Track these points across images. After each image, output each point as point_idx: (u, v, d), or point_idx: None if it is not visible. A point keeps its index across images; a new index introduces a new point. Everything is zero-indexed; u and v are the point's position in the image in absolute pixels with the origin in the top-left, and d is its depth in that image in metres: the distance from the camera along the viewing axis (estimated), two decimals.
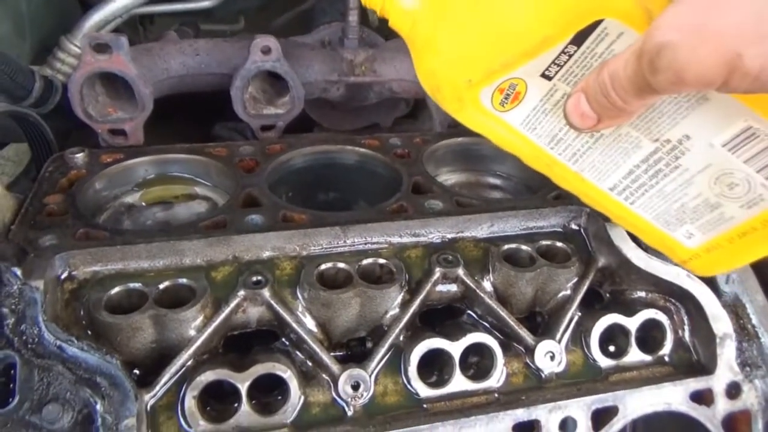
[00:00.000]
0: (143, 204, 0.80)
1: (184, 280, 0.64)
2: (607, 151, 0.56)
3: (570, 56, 0.50)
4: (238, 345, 0.67)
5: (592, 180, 0.59)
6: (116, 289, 0.63)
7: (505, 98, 0.56)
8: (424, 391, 0.64)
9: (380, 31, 1.25)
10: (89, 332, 0.60)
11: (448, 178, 0.96)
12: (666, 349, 0.72)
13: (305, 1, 1.59)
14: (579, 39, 0.49)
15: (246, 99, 0.94)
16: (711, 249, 0.59)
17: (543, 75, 0.52)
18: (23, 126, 0.86)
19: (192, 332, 0.62)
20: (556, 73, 0.52)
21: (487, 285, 0.72)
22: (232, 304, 0.63)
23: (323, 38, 1.17)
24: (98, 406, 0.52)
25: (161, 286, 0.64)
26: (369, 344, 0.69)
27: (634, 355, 0.71)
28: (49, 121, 0.97)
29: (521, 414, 0.63)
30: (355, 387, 0.62)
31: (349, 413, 0.62)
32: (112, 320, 0.59)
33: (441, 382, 0.65)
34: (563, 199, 0.81)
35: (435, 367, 0.68)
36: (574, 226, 0.78)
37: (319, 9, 1.48)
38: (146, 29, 1.63)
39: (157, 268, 0.65)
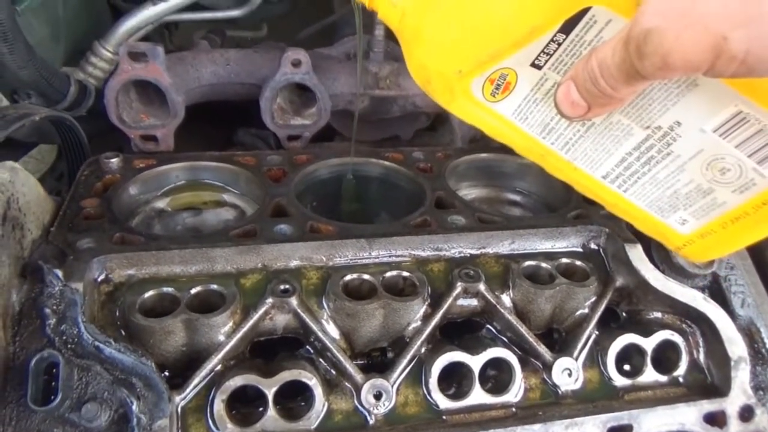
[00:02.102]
0: (172, 209, 0.82)
1: (214, 286, 0.67)
2: (599, 140, 0.56)
3: (559, 45, 0.50)
4: (263, 351, 0.69)
5: (585, 168, 0.59)
6: (150, 293, 0.65)
7: (496, 88, 0.55)
8: (443, 402, 0.66)
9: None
10: (123, 334, 0.62)
11: (469, 192, 0.98)
12: (681, 370, 0.73)
13: (327, 10, 1.62)
14: (567, 27, 0.49)
15: (274, 109, 0.96)
16: (705, 234, 0.59)
17: (533, 64, 0.52)
18: (59, 129, 0.89)
19: (221, 337, 0.64)
20: (546, 62, 0.52)
21: (506, 301, 0.74)
22: (261, 311, 0.65)
23: (348, 51, 1.20)
24: (134, 407, 0.54)
25: (193, 291, 0.66)
26: (390, 354, 0.71)
27: (650, 375, 0.72)
28: (81, 124, 1.01)
29: (538, 429, 0.65)
30: (378, 396, 0.64)
31: (371, 422, 0.64)
32: (146, 323, 0.61)
33: (460, 395, 0.67)
34: (583, 218, 0.82)
35: (454, 379, 0.70)
36: (593, 246, 0.80)
37: (343, 20, 1.51)
38: (171, 34, 1.66)
39: (189, 274, 0.68)
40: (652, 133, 0.53)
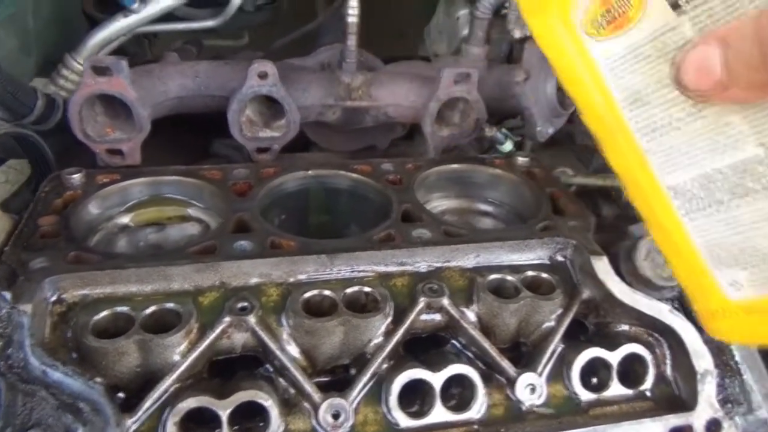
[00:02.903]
0: (135, 225, 0.81)
1: (170, 305, 0.66)
2: (694, 139, 0.42)
3: None
4: (223, 369, 0.68)
5: (655, 169, 0.46)
6: (103, 313, 0.64)
7: (607, 18, 0.42)
8: (404, 421, 0.65)
9: (379, 54, 1.27)
10: (75, 356, 0.61)
11: (440, 204, 0.97)
12: (647, 384, 0.72)
13: (310, 17, 1.62)
14: None
15: (242, 122, 0.95)
16: (752, 311, 0.45)
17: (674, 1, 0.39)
18: (23, 145, 0.88)
19: (176, 357, 0.63)
20: (692, 4, 0.38)
21: (471, 315, 0.73)
22: (218, 330, 0.64)
23: (323, 60, 1.19)
24: None
25: (148, 311, 0.65)
26: (353, 371, 0.70)
27: (616, 389, 0.71)
28: (51, 138, 1.00)
29: None
30: (336, 416, 0.63)
31: None
32: (97, 344, 0.60)
33: (421, 413, 0.66)
34: (551, 230, 0.82)
35: (417, 396, 0.69)
36: (560, 258, 0.79)
37: (323, 28, 1.51)
38: (152, 43, 1.65)
39: (145, 293, 0.67)
40: (766, 156, 0.40)
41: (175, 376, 0.61)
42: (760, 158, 0.40)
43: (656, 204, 0.47)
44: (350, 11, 1.06)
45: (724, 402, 0.72)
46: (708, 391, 0.71)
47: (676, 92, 0.41)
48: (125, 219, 0.82)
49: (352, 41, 1.09)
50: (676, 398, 0.73)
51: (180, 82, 0.96)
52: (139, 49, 1.54)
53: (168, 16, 1.21)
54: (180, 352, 0.63)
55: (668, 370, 0.74)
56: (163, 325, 0.64)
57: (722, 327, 0.48)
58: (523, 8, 0.47)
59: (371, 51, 1.28)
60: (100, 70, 0.85)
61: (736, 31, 0.35)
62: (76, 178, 0.81)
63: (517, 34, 1.06)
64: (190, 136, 1.25)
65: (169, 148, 1.26)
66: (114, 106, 0.93)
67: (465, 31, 1.22)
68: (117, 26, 1.14)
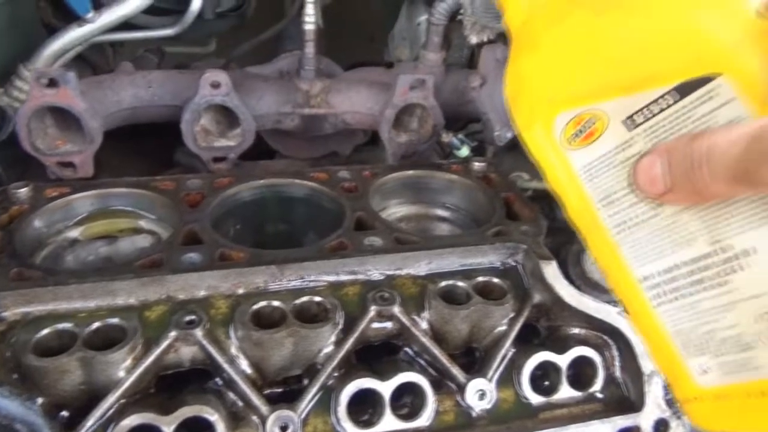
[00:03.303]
0: (85, 239, 0.80)
1: (115, 321, 0.65)
2: (656, 234, 0.48)
3: (665, 108, 0.44)
4: (173, 384, 0.67)
5: (628, 260, 0.51)
6: (45, 331, 0.63)
7: (579, 132, 0.49)
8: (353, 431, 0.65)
9: (350, 59, 1.27)
10: (16, 376, 0.60)
11: (397, 210, 0.98)
12: (597, 386, 0.74)
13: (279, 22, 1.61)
14: (684, 90, 0.42)
15: (197, 131, 0.95)
16: (721, 397, 0.48)
17: (628, 120, 0.46)
18: None
19: (121, 374, 0.62)
20: (643, 122, 0.45)
21: (422, 323, 0.73)
22: (163, 345, 0.64)
23: (282, 68, 1.19)
24: None
25: (92, 327, 0.64)
26: (305, 381, 0.70)
27: (565, 392, 0.72)
28: (5, 151, 0.98)
29: None
30: (284, 428, 0.63)
31: None
32: (38, 363, 0.59)
33: (371, 423, 0.66)
34: (503, 235, 0.82)
35: (369, 405, 0.69)
36: (511, 263, 0.80)
37: (287, 35, 1.51)
38: (116, 52, 1.64)
39: (89, 309, 0.66)
40: (716, 252, 0.44)
41: (119, 393, 0.61)
42: (709, 254, 0.45)
43: (631, 294, 0.52)
44: (307, 18, 1.06)
45: (671, 402, 0.73)
46: (655, 391, 0.72)
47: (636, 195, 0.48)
48: (75, 233, 0.81)
49: (310, 49, 1.09)
50: (625, 399, 0.74)
51: (133, 93, 0.95)
52: (101, 59, 1.53)
53: (127, 25, 1.20)
54: (125, 368, 0.62)
55: (617, 372, 0.75)
56: (109, 341, 0.63)
57: (697, 413, 0.51)
58: (518, 124, 0.54)
59: (342, 56, 1.29)
60: (47, 82, 0.84)
61: (674, 147, 0.42)
62: (23, 192, 0.80)
63: (474, 39, 1.07)
64: (153, 145, 1.24)
65: (132, 157, 1.26)
66: (65, 117, 0.92)
67: (425, 38, 1.22)
68: (72, 36, 1.12)
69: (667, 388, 0.73)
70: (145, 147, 1.24)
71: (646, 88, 0.44)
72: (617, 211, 0.50)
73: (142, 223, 0.84)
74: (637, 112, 0.46)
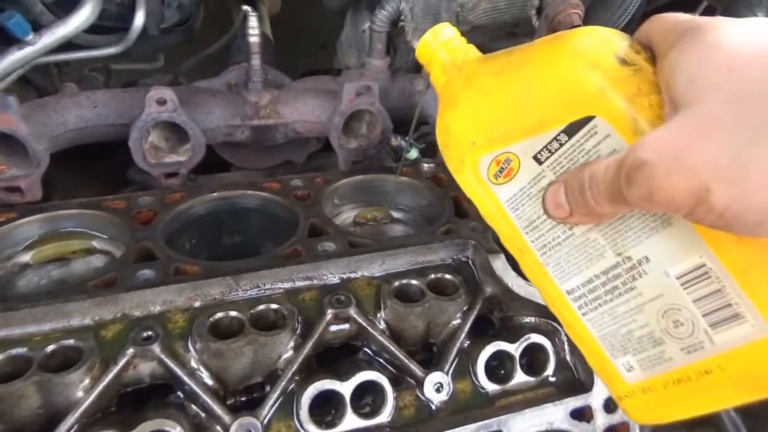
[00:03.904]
0: (37, 263, 0.80)
1: (70, 342, 0.65)
2: (573, 252, 0.55)
3: (561, 145, 0.51)
4: (135, 401, 0.67)
5: (554, 278, 0.58)
6: None
7: (500, 171, 0.56)
8: None
9: (286, 70, 1.29)
10: None
11: (351, 215, 0.99)
12: (549, 371, 0.77)
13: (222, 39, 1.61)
14: (571, 130, 0.50)
15: (146, 149, 0.95)
16: (646, 390, 0.54)
17: (535, 158, 0.53)
18: None
19: (80, 394, 0.62)
20: (547, 158, 0.52)
21: (379, 322, 0.75)
22: (121, 363, 0.64)
23: (230, 81, 1.20)
24: None
25: (47, 350, 0.64)
26: (267, 388, 0.71)
27: (519, 378, 0.75)
28: None
29: None
30: None
31: None
32: None
33: (333, 423, 0.68)
34: (453, 233, 0.85)
35: (331, 406, 0.71)
36: (462, 258, 0.83)
37: (235, 48, 1.51)
38: (61, 72, 1.61)
39: (44, 332, 0.66)
40: (622, 262, 0.51)
41: (78, 413, 0.61)
42: (617, 264, 0.52)
43: (561, 306, 0.58)
44: (251, 31, 1.07)
45: None
46: None
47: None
48: (25, 257, 0.80)
49: (256, 61, 1.10)
50: (576, 381, 0.77)
51: (78, 114, 0.95)
52: (46, 80, 1.50)
53: (70, 45, 1.19)
54: (83, 388, 0.62)
55: (567, 356, 0.79)
56: (65, 362, 0.63)
57: (631, 408, 0.56)
58: (451, 167, 0.61)
59: (294, 63, 1.30)
60: None
61: (569, 176, 0.49)
62: None
63: (416, 44, 1.09)
64: (105, 165, 1.23)
65: (83, 178, 1.24)
66: (10, 143, 0.91)
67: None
68: (12, 59, 1.10)
69: None
70: (96, 167, 1.23)
71: (544, 131, 0.52)
72: (540, 235, 0.57)
73: (95, 244, 0.83)
74: (540, 151, 0.53)
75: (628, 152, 0.42)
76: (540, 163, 0.53)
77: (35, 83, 1.41)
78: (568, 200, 0.49)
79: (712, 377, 0.48)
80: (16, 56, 1.11)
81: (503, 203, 0.58)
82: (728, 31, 0.41)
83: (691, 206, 0.39)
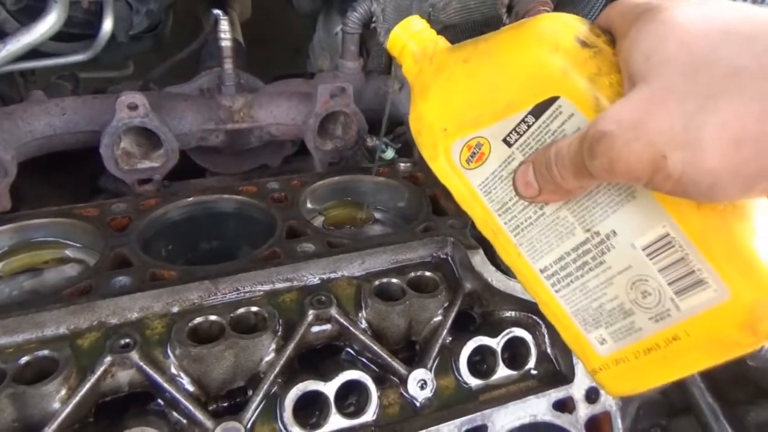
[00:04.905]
0: (6, 274, 0.78)
1: (45, 353, 0.63)
2: (545, 231, 0.56)
3: (528, 127, 0.52)
4: (114, 410, 0.66)
5: (527, 257, 0.59)
6: None
7: (471, 156, 0.58)
8: None
9: (260, 75, 1.28)
10: None
11: (329, 214, 0.99)
12: (531, 364, 0.77)
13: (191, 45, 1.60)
14: (537, 111, 0.51)
15: (118, 155, 0.93)
16: (619, 361, 0.55)
17: (504, 140, 0.55)
18: None
19: (56, 405, 0.61)
20: (516, 141, 0.54)
21: (361, 321, 0.75)
22: (99, 372, 0.63)
23: (202, 86, 1.19)
24: None
25: (21, 362, 0.62)
26: (249, 392, 0.70)
27: (502, 372, 0.76)
28: None
29: None
30: None
31: None
32: None
33: (318, 425, 0.67)
34: (431, 230, 0.86)
35: (316, 407, 0.70)
36: (441, 255, 0.83)
37: (206, 52, 1.50)
38: (27, 81, 1.58)
39: (17, 343, 0.64)
40: (591, 238, 0.53)
41: (55, 425, 0.59)
42: (586, 240, 0.53)
43: (535, 285, 0.59)
44: (222, 35, 1.07)
45: None
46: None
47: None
48: None
49: (228, 65, 1.09)
50: (557, 373, 0.78)
51: (46, 121, 0.93)
52: (11, 89, 1.47)
53: (36, 53, 1.17)
54: (59, 399, 0.61)
55: (548, 349, 0.79)
56: (41, 373, 0.62)
57: (606, 381, 0.57)
58: (425, 154, 0.62)
59: (267, 68, 1.30)
60: None
61: (536, 156, 0.51)
62: None
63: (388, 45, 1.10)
64: (76, 174, 1.21)
65: (53, 188, 1.22)
66: None
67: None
68: None
69: None
70: (66, 176, 1.21)
71: (511, 114, 0.53)
72: (512, 216, 0.58)
73: (68, 252, 0.82)
74: (509, 134, 0.54)
75: (590, 126, 0.44)
76: (510, 145, 0.55)
77: (0, 93, 1.38)
78: (537, 178, 0.51)
79: (680, 343, 0.49)
80: None
81: (476, 188, 0.60)
82: (681, 11, 0.43)
83: (649, 174, 0.41)
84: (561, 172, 0.48)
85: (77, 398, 0.61)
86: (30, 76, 1.59)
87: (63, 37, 1.20)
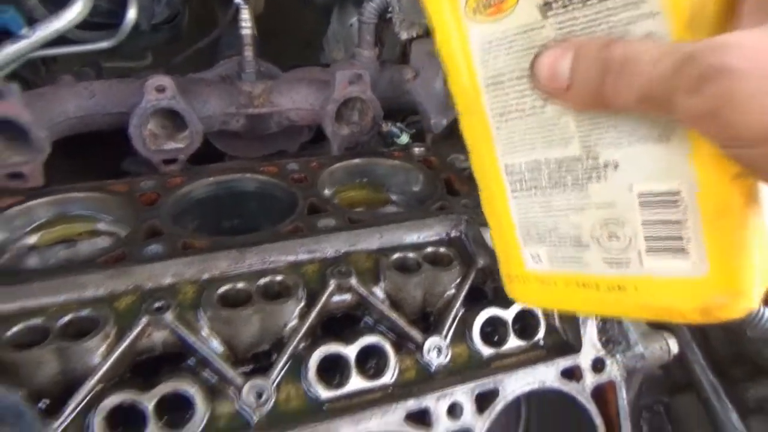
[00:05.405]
0: (43, 245, 0.82)
1: (86, 312, 0.68)
2: (534, 129, 0.47)
3: (587, 4, 0.41)
4: (146, 371, 0.70)
5: (498, 146, 0.51)
6: (17, 327, 0.65)
7: (485, 5, 0.46)
8: (324, 393, 0.70)
9: (288, 62, 1.33)
10: None
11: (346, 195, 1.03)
12: (540, 334, 0.81)
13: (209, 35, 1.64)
14: None
15: (146, 135, 0.98)
16: (544, 281, 0.53)
17: (544, 3, 0.43)
18: None
19: (97, 360, 0.65)
20: (559, 11, 0.42)
21: (379, 292, 0.79)
22: (136, 330, 0.67)
23: (222, 73, 1.23)
24: None
25: (64, 320, 0.67)
26: (274, 356, 0.75)
27: (512, 342, 0.80)
28: None
29: (412, 404, 0.70)
30: (258, 396, 0.67)
31: (253, 421, 0.67)
32: (13, 357, 0.61)
33: (340, 384, 0.71)
34: (446, 209, 0.90)
35: (337, 370, 0.74)
36: (455, 233, 0.87)
37: (224, 42, 1.54)
38: (49, 69, 1.62)
39: (59, 303, 0.68)
40: (584, 158, 0.45)
41: (97, 377, 0.63)
42: (579, 158, 0.46)
43: (491, 177, 0.53)
44: (243, 24, 1.11)
45: (605, 343, 0.82)
46: (590, 333, 0.81)
47: (528, 84, 0.46)
48: (32, 239, 0.83)
49: (249, 52, 1.13)
50: (564, 343, 0.82)
51: (76, 103, 0.97)
52: (36, 77, 1.51)
53: (62, 40, 1.21)
54: (100, 354, 0.65)
55: (557, 321, 0.83)
56: (81, 332, 0.66)
57: (517, 290, 0.56)
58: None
59: (281, 60, 1.34)
60: None
61: (586, 47, 0.39)
62: None
63: (404, 36, 1.14)
64: (100, 156, 1.25)
65: (78, 169, 1.26)
66: (11, 131, 0.93)
67: (357, 37, 1.29)
68: (6, 52, 1.12)
69: (600, 331, 0.82)
70: (91, 159, 1.25)
71: None
72: (502, 96, 0.49)
73: (100, 226, 0.86)
74: None
75: (704, 50, 0.32)
76: (546, 12, 0.43)
77: (25, 78, 1.42)
78: (574, 74, 0.40)
79: (622, 294, 0.47)
80: (10, 50, 1.12)
81: (472, 45, 0.49)
82: None
83: (759, 140, 0.31)
84: (622, 87, 0.37)
85: (116, 354, 0.65)
86: (52, 64, 1.63)
87: (86, 25, 1.25)
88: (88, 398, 0.63)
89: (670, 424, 1.01)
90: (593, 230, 0.47)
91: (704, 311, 0.43)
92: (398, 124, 1.12)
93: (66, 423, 0.61)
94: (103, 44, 1.27)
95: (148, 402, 0.63)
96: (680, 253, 0.43)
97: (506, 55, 0.47)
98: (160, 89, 0.95)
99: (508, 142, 0.50)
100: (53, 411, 0.61)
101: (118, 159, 1.25)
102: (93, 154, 1.22)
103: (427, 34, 1.17)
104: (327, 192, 0.93)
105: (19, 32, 1.13)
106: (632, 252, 0.45)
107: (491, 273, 0.85)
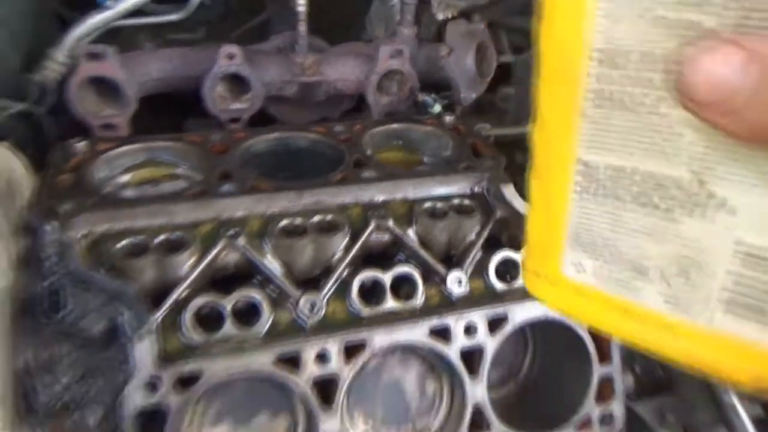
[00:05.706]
0: (134, 183, 0.99)
1: (176, 234, 0.84)
2: (637, 130, 0.38)
3: None
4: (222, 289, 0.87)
5: (582, 135, 0.41)
6: (124, 242, 0.82)
7: None
8: (364, 310, 0.86)
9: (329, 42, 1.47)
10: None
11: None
12: None
13: (258, 11, 1.79)
14: None
15: (215, 97, 1.14)
16: (581, 293, 0.45)
17: None
18: (26, 124, 1.03)
19: (185, 271, 0.82)
20: None
21: (411, 233, 0.94)
22: (215, 250, 0.83)
23: (278, 45, 1.38)
24: (125, 317, 0.71)
25: (159, 239, 0.83)
26: (323, 281, 0.90)
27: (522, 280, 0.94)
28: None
29: (435, 322, 0.86)
30: (312, 307, 0.83)
31: (307, 326, 0.83)
32: (123, 263, 0.78)
33: (377, 304, 0.87)
34: (471, 168, 1.04)
35: (374, 295, 0.89)
36: (478, 189, 1.01)
37: (274, 20, 1.69)
38: (114, 39, 1.79)
39: (155, 226, 0.85)
40: (687, 183, 0.36)
41: (187, 283, 0.80)
42: (681, 182, 0.37)
43: (556, 164, 0.44)
44: (300, 1, 1.25)
45: None
46: None
47: (658, 76, 0.35)
48: (125, 178, 0.99)
49: (302, 27, 1.28)
50: None
51: (158, 66, 1.13)
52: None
53: (136, 12, 1.38)
54: (188, 266, 0.82)
55: None
56: (173, 249, 0.83)
57: (543, 290, 0.48)
58: None
59: (328, 37, 1.48)
60: (93, 56, 1.02)
61: None
62: (80, 146, 0.98)
63: (440, 16, 1.28)
64: (166, 117, 1.42)
65: (150, 125, 1.44)
66: (102, 88, 1.10)
67: (399, 17, 1.42)
68: (92, 22, 1.29)
69: None
70: (159, 118, 1.42)
71: None
72: (609, 76, 0.38)
73: (179, 171, 1.02)
74: None
75: None
76: None
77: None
78: (755, 96, 0.27)
79: (670, 336, 0.40)
80: (97, 18, 1.29)
81: (600, 5, 0.37)
82: None
83: None
84: None
85: (201, 266, 0.82)
86: (117, 35, 1.80)
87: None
88: (180, 299, 0.79)
89: (661, 369, 1.14)
90: (663, 262, 0.39)
91: (758, 378, 0.36)
92: (432, 95, 1.25)
93: (165, 314, 0.77)
94: (173, 16, 1.43)
95: (227, 304, 0.79)
96: (763, 318, 0.35)
97: (643, 31, 0.35)
98: (231, 56, 1.10)
99: (596, 135, 0.40)
100: (153, 307, 0.77)
101: (179, 121, 1.41)
102: (162, 113, 1.39)
103: (461, 15, 1.30)
104: (368, 152, 1.07)
105: (105, 3, 1.29)
106: (703, 301, 0.37)
107: (507, 225, 0.99)
